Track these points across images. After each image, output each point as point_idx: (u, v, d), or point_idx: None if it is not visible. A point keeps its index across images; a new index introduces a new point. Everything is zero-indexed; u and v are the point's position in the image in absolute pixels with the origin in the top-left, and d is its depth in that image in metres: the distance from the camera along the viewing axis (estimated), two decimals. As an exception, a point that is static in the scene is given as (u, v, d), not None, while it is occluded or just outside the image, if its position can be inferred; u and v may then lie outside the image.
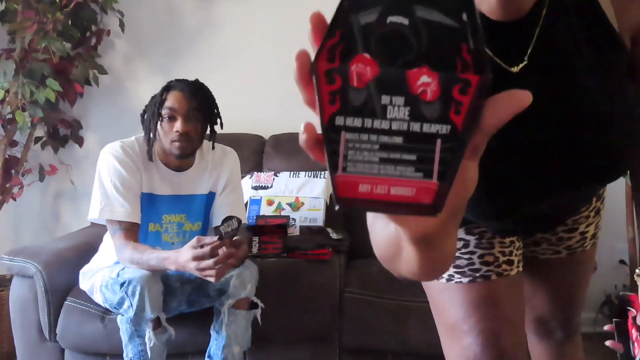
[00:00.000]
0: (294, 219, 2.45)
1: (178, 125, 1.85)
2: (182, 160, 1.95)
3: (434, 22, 0.33)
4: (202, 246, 1.65)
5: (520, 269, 1.10)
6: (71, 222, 2.97)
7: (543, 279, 1.23)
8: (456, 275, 1.06)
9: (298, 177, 2.52)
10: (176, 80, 1.93)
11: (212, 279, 1.66)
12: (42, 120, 2.71)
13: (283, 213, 2.46)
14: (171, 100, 1.86)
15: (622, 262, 2.62)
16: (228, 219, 1.69)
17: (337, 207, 0.37)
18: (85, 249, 2.22)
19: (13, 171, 2.71)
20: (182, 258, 1.66)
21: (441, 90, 0.33)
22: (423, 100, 0.34)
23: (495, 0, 0.73)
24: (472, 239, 1.06)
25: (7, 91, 2.50)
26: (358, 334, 2.06)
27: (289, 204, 2.48)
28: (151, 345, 1.72)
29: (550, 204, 0.99)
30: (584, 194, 1.04)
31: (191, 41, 2.94)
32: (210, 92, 1.95)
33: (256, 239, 2.30)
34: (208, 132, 1.97)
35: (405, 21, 0.33)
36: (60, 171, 2.89)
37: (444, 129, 0.34)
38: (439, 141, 0.34)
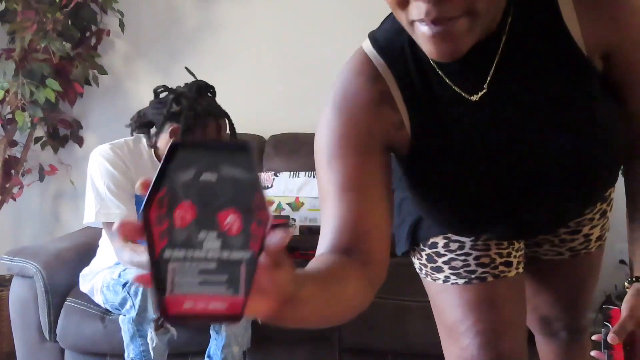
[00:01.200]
0: (294, 219, 2.44)
1: None
2: None
3: (235, 177, 0.46)
4: None
5: (521, 270, 1.09)
6: (71, 222, 2.96)
7: (545, 280, 1.22)
8: (452, 277, 1.06)
9: (298, 177, 2.52)
10: (208, 97, 1.93)
11: None
12: (42, 120, 2.70)
13: (283, 213, 2.46)
14: (211, 130, 1.91)
15: (622, 262, 2.61)
16: None
17: (166, 325, 0.46)
18: (85, 249, 2.21)
19: (13, 171, 2.71)
20: None
21: (243, 227, 0.46)
22: (230, 235, 0.45)
23: (427, 48, 0.72)
24: (467, 241, 1.05)
25: (7, 91, 2.50)
26: (358, 334, 2.05)
27: (289, 204, 2.48)
28: (154, 345, 1.72)
29: (531, 216, 0.99)
30: (570, 206, 1.02)
31: (191, 41, 2.94)
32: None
33: None
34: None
35: (214, 177, 0.46)
36: (60, 171, 2.89)
37: (246, 255, 0.45)
38: (243, 265, 0.45)
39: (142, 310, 1.72)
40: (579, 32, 0.79)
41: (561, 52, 0.80)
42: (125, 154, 1.92)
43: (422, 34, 0.71)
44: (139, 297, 1.71)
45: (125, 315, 1.77)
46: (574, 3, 0.78)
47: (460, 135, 0.86)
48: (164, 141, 1.93)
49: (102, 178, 1.86)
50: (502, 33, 0.79)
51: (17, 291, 2.09)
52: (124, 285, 1.75)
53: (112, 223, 1.83)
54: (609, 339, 0.75)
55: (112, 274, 1.85)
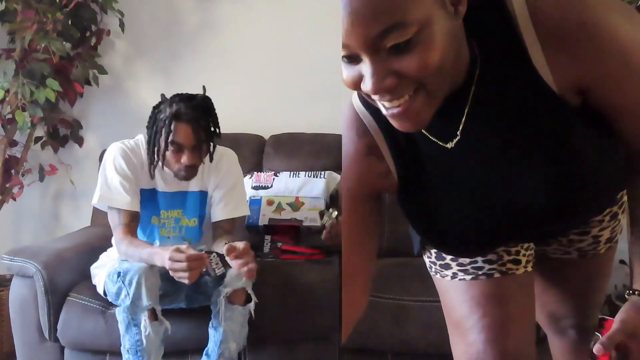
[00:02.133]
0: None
1: (185, 158, 1.88)
2: None
3: None
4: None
5: (529, 269, 1.11)
6: (71, 222, 2.97)
7: (553, 278, 1.24)
8: (459, 273, 1.08)
9: (298, 177, 2.52)
10: (182, 102, 1.87)
11: (185, 281, 1.65)
12: (42, 120, 2.70)
13: (283, 213, 2.46)
14: (180, 135, 1.85)
15: (622, 262, 2.62)
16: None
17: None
18: (85, 249, 2.22)
19: (13, 171, 2.71)
20: (166, 256, 1.68)
21: None
22: None
23: (391, 122, 0.78)
24: None
25: (7, 91, 2.50)
26: (358, 334, 2.05)
27: (289, 204, 2.48)
28: (147, 333, 1.73)
29: (523, 239, 1.06)
30: (560, 227, 1.05)
31: (191, 41, 2.94)
32: (213, 107, 1.94)
33: (268, 237, 2.32)
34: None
35: None
36: (60, 171, 2.89)
37: None
38: None
39: (136, 298, 1.74)
40: (548, 73, 0.80)
41: (532, 94, 0.82)
42: (139, 151, 1.99)
43: (382, 110, 0.77)
44: (133, 285, 1.74)
45: (120, 306, 1.79)
46: (542, 46, 0.79)
47: (441, 178, 0.93)
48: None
49: (113, 168, 1.93)
50: (471, 83, 0.82)
51: (17, 291, 2.09)
52: (119, 274, 1.78)
53: (115, 209, 1.90)
54: (594, 350, 0.75)
55: (114, 266, 1.89)
